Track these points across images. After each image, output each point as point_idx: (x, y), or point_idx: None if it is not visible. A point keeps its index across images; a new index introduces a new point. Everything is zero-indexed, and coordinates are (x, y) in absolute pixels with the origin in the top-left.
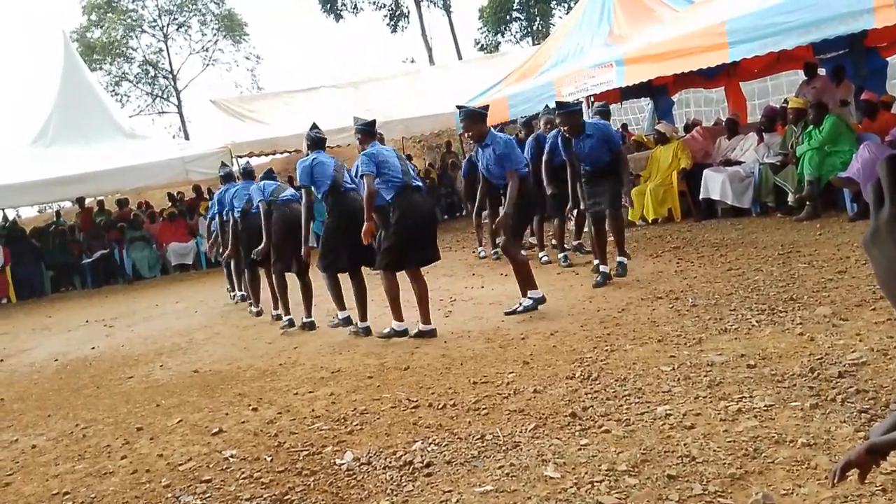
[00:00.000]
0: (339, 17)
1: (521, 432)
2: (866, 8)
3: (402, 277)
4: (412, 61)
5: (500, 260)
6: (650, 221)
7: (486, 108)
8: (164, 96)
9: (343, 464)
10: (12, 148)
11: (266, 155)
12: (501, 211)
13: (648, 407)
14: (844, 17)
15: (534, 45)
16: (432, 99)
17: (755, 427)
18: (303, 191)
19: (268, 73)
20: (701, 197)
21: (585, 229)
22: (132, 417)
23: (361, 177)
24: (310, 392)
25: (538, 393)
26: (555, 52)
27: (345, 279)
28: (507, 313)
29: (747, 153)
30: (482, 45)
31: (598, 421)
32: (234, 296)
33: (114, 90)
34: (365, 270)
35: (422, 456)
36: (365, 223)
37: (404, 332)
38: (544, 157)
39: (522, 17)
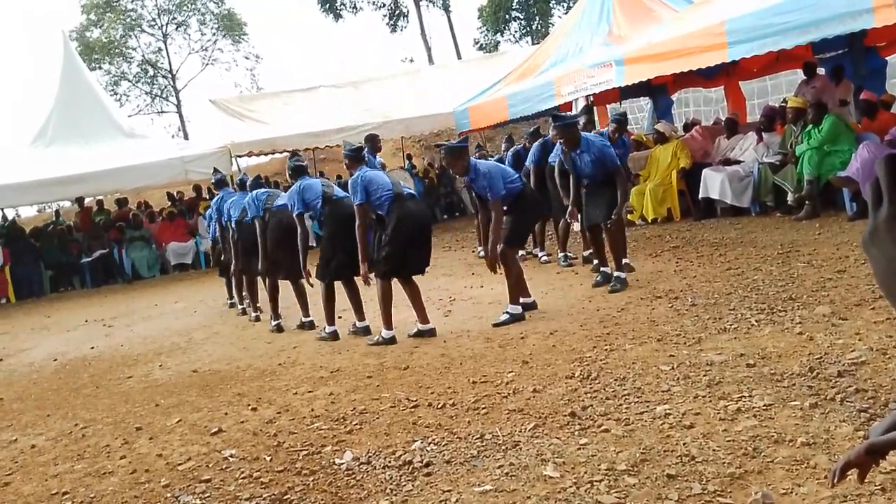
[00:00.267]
0: (338, 16)
1: (520, 432)
2: (865, 7)
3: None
4: (411, 61)
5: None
6: (649, 221)
7: (466, 139)
8: (164, 96)
9: (342, 463)
10: (12, 148)
11: (265, 154)
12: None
13: (648, 406)
14: (843, 16)
15: (533, 44)
16: (432, 99)
17: (754, 426)
18: (297, 219)
19: (267, 72)
20: (700, 196)
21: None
22: (131, 417)
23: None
24: (309, 392)
25: (537, 392)
26: (554, 52)
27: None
28: (496, 325)
29: (746, 153)
30: (481, 45)
31: (597, 420)
32: (233, 303)
33: (113, 90)
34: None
35: (421, 455)
36: (360, 265)
37: (392, 340)
38: (556, 160)
39: (522, 17)
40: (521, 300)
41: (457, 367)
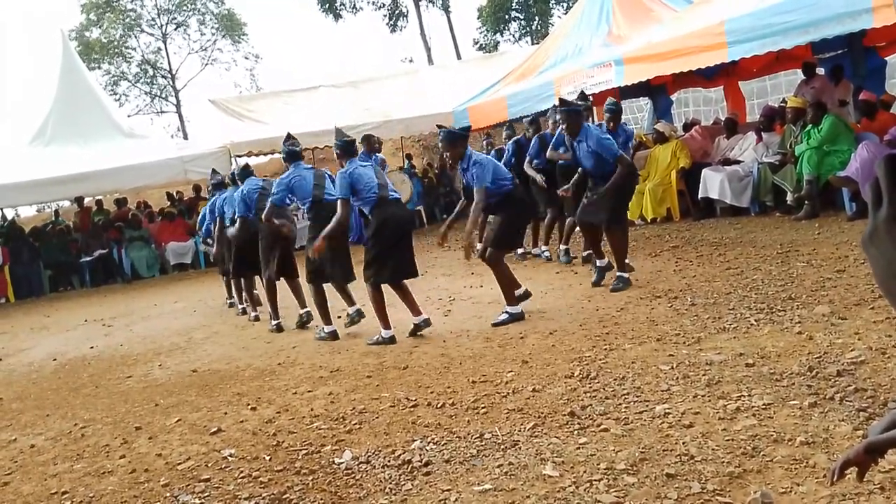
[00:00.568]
0: (338, 16)
1: (519, 431)
2: (865, 8)
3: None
4: (411, 61)
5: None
6: (649, 220)
7: (468, 128)
8: (163, 96)
9: (342, 463)
10: (11, 147)
11: (265, 154)
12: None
13: (647, 406)
14: (843, 16)
15: (533, 44)
16: (431, 99)
17: (754, 426)
18: (271, 207)
19: (267, 72)
20: (700, 196)
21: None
22: (131, 417)
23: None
24: (308, 391)
25: (537, 392)
26: (554, 52)
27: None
28: (495, 324)
29: (746, 152)
30: (481, 45)
31: (596, 420)
32: (233, 302)
33: (112, 89)
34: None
35: (420, 455)
36: (318, 239)
37: (392, 340)
38: (558, 153)
39: (521, 17)
40: (515, 292)
41: (456, 366)
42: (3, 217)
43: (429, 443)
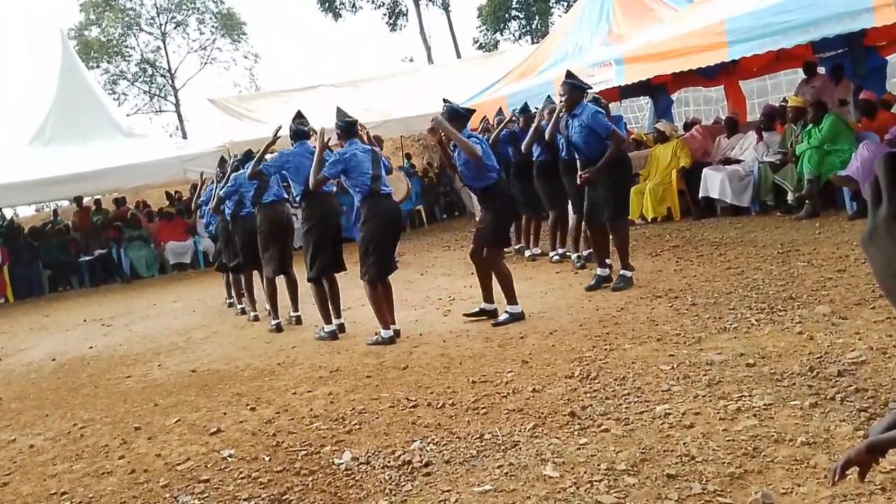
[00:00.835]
0: (337, 15)
1: (519, 431)
2: (865, 7)
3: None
4: (411, 60)
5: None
6: (649, 220)
7: (473, 111)
8: (162, 95)
9: (341, 463)
10: (10, 147)
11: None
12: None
13: (647, 406)
14: (843, 16)
15: (533, 43)
16: (431, 98)
17: (754, 426)
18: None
19: (266, 71)
20: (700, 195)
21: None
22: (130, 417)
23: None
24: (308, 391)
25: (537, 392)
26: (554, 51)
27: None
28: (495, 324)
29: (746, 152)
30: (481, 44)
31: (597, 420)
32: (232, 302)
33: (111, 89)
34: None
35: (420, 455)
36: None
37: (391, 340)
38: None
39: (521, 16)
40: (483, 306)
41: (456, 366)
42: (2, 217)
43: (429, 443)
